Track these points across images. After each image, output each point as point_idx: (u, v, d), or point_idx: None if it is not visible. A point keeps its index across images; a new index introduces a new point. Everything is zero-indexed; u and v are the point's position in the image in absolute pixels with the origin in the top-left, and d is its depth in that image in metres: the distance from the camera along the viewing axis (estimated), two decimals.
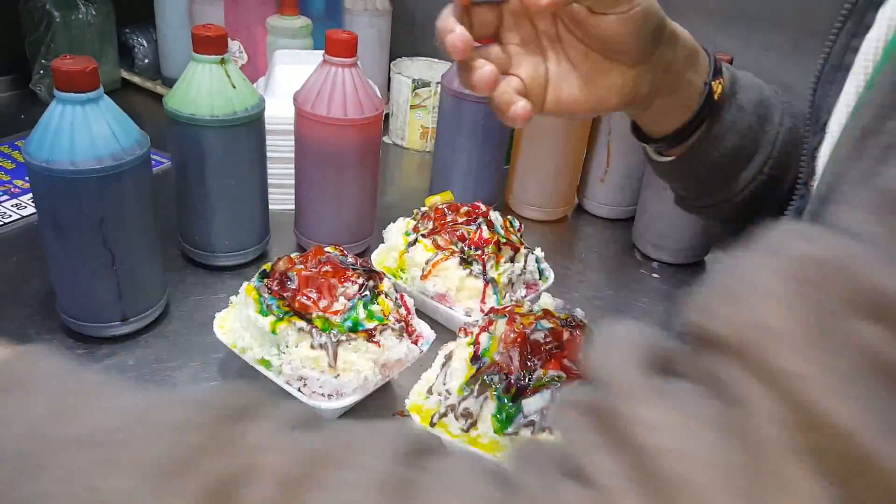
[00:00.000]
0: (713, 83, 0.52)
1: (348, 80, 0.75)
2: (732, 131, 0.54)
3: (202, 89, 0.70)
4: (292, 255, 0.63)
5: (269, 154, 0.80)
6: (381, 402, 0.64)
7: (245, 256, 0.80)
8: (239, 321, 0.62)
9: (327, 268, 0.61)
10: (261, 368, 0.60)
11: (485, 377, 0.54)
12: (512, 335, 0.56)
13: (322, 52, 0.76)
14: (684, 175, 0.59)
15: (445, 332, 0.70)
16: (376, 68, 1.18)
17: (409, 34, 1.26)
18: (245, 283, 0.63)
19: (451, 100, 0.91)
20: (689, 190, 0.61)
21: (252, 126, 0.73)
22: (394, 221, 0.79)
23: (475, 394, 0.54)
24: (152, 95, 1.22)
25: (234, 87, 0.71)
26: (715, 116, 0.54)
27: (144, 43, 1.23)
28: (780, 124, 0.55)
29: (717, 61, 0.53)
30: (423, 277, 0.71)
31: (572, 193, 1.02)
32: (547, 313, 0.59)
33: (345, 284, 0.60)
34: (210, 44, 0.69)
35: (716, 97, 0.53)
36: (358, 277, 0.61)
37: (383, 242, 0.78)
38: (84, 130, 0.58)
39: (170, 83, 1.19)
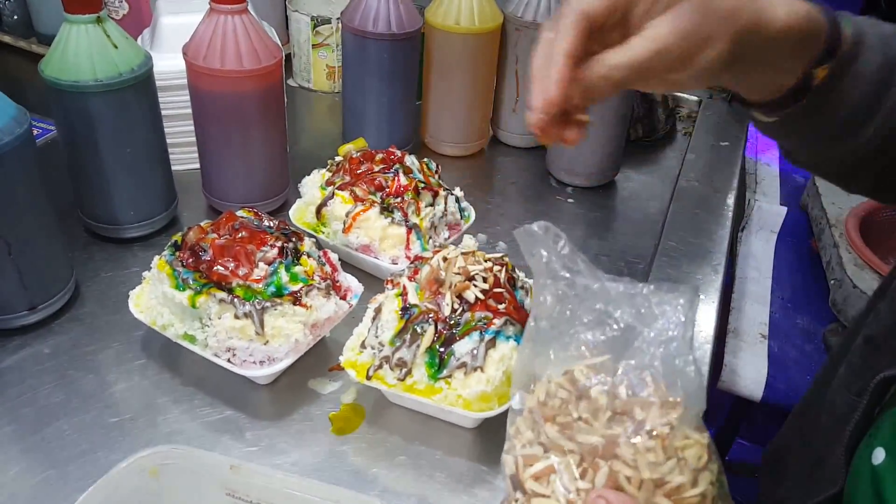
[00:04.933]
0: (817, 69, 0.46)
1: (240, 28, 0.71)
2: (841, 103, 0.47)
3: (81, 52, 0.64)
4: (203, 224, 0.61)
5: (164, 112, 0.76)
6: (315, 358, 0.64)
7: (154, 225, 0.76)
8: (155, 297, 0.59)
9: (242, 234, 0.59)
10: (185, 343, 0.58)
11: (415, 326, 0.55)
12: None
13: None
14: (788, 135, 0.52)
15: (374, 281, 0.70)
16: (270, 7, 1.12)
17: None
18: (156, 258, 0.60)
19: (353, 38, 0.87)
20: (797, 150, 0.54)
21: (141, 86, 0.69)
22: (308, 174, 0.76)
23: (407, 343, 0.54)
24: (28, 55, 1.11)
25: (116, 47, 0.66)
26: (819, 91, 0.47)
27: None
28: None
29: (836, 39, 0.45)
30: (345, 231, 0.70)
31: (486, 126, 1.02)
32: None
33: (263, 249, 0.59)
34: (83, 2, 0.63)
35: (816, 82, 0.46)
36: (276, 241, 0.60)
37: (300, 196, 0.76)
38: None
39: (46, 40, 1.09)
